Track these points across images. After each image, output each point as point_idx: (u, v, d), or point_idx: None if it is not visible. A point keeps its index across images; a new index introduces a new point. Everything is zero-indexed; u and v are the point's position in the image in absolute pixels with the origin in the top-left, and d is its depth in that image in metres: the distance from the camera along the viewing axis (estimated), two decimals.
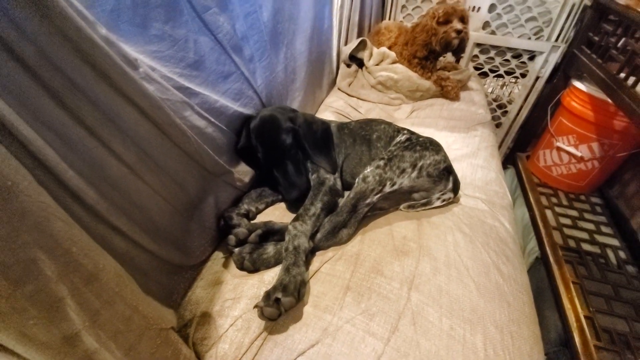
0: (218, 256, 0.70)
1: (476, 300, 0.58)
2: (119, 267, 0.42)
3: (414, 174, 0.75)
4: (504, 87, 1.76)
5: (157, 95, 0.48)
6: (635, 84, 0.99)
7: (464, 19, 1.17)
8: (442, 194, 0.80)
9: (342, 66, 1.37)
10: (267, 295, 0.53)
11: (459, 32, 1.16)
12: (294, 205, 0.81)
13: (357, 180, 0.74)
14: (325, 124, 0.89)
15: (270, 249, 0.65)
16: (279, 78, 0.96)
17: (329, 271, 0.63)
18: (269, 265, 0.64)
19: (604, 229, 1.39)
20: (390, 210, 0.81)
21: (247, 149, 0.79)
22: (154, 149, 0.51)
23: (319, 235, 0.67)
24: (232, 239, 0.66)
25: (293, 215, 0.79)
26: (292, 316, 0.56)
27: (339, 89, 1.35)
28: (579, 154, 1.41)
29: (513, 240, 0.75)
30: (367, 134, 0.91)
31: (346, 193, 0.81)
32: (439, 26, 1.18)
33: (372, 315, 0.55)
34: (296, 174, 0.77)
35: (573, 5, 1.35)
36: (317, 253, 0.68)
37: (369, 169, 0.74)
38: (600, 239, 1.35)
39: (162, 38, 0.55)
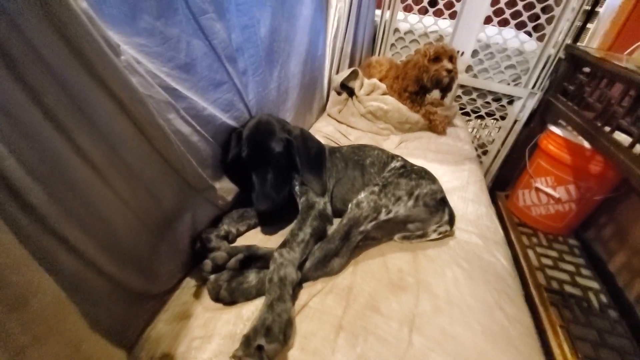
0: (189, 284, 0.60)
1: (483, 345, 0.51)
2: (61, 291, 0.32)
3: (410, 203, 0.71)
4: (484, 128, 1.84)
5: (140, 90, 0.42)
6: (612, 130, 1.04)
7: (452, 59, 1.22)
8: (439, 226, 0.76)
9: (333, 93, 1.37)
10: (247, 340, 0.44)
11: (449, 71, 1.20)
12: (267, 223, 0.75)
13: (350, 206, 0.69)
14: (321, 146, 0.85)
15: (251, 277, 0.57)
16: (271, 96, 0.92)
17: (318, 306, 0.55)
18: (249, 297, 0.55)
19: (583, 271, 1.40)
20: (383, 240, 0.75)
21: (235, 162, 0.72)
22: (128, 150, 0.43)
23: (307, 265, 0.60)
24: (208, 264, 0.57)
25: (277, 240, 0.72)
26: None
27: (328, 115, 1.34)
28: (556, 195, 1.45)
29: (511, 277, 0.71)
30: (360, 158, 0.87)
31: (336, 220, 0.76)
32: (430, 64, 1.22)
33: None
34: (274, 186, 0.71)
35: (549, 57, 1.45)
36: (305, 284, 0.60)
37: (362, 195, 0.69)
38: (581, 281, 1.35)
39: (151, 33, 0.50)
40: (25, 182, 0.30)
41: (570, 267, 1.41)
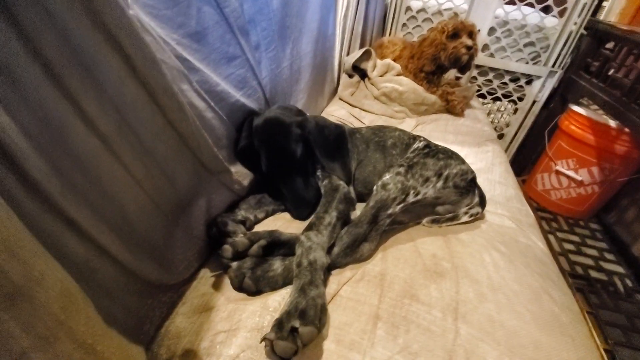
0: (206, 274, 0.56)
1: (536, 334, 0.46)
2: (71, 281, 0.27)
3: (440, 184, 0.66)
4: (501, 111, 1.77)
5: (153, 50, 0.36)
6: None
7: (472, 35, 1.15)
8: (470, 208, 0.71)
9: (344, 76, 1.31)
10: (279, 323, 0.39)
11: (469, 48, 1.13)
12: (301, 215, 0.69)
13: (375, 188, 0.64)
14: (340, 128, 0.79)
15: (277, 264, 0.52)
16: (284, 74, 0.87)
17: (350, 295, 0.50)
18: (275, 286, 0.51)
19: (607, 255, 1.35)
20: (409, 224, 0.70)
21: (247, 150, 0.67)
22: (141, 121, 0.38)
23: (336, 250, 0.55)
24: (228, 249, 0.52)
25: (300, 226, 0.67)
26: (309, 355, 0.42)
27: (340, 98, 1.28)
28: (579, 177, 1.39)
29: (551, 261, 0.66)
30: (380, 140, 0.82)
31: (359, 206, 0.71)
32: (447, 41, 1.15)
33: (414, 355, 0.42)
34: (306, 189, 0.67)
35: (570, 33, 1.38)
36: (332, 272, 0.55)
37: (388, 176, 0.64)
38: (606, 265, 1.30)
39: None
40: (26, 152, 0.25)
41: (594, 252, 1.36)
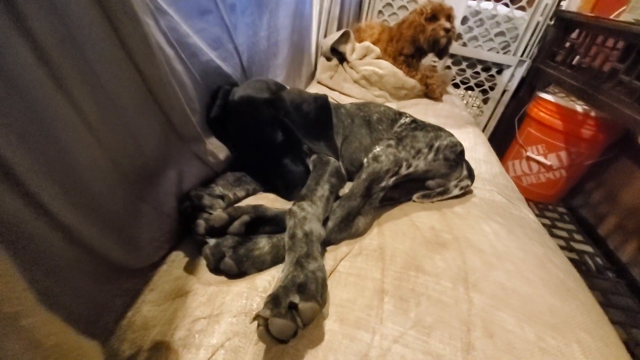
0: (178, 257, 0.47)
1: (550, 299, 0.43)
2: (6, 259, 0.19)
3: (430, 156, 0.62)
4: (472, 101, 1.81)
5: None
6: (614, 86, 1.01)
7: (450, 18, 1.15)
8: (460, 181, 0.68)
9: (322, 59, 1.25)
10: (275, 299, 0.32)
11: (447, 30, 1.13)
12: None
13: (366, 160, 0.59)
14: (320, 99, 0.70)
15: (263, 242, 0.45)
16: (262, 45, 0.79)
17: (350, 270, 0.44)
18: (262, 267, 0.43)
19: (576, 236, 1.41)
20: (400, 201, 0.66)
21: (219, 123, 0.59)
22: (102, 61, 0.30)
23: (330, 225, 0.49)
24: (201, 224, 0.44)
25: (287, 205, 0.60)
26: (309, 338, 0.35)
27: (318, 82, 1.23)
28: (548, 162, 1.45)
29: (545, 232, 0.65)
30: (366, 115, 0.77)
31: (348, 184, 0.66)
32: (426, 23, 1.14)
33: (429, 329, 0.37)
34: (295, 171, 0.61)
35: (537, 24, 1.43)
36: (327, 249, 0.49)
37: (378, 148, 0.60)
38: (577, 245, 1.35)
39: None
40: None
41: (564, 234, 1.41)
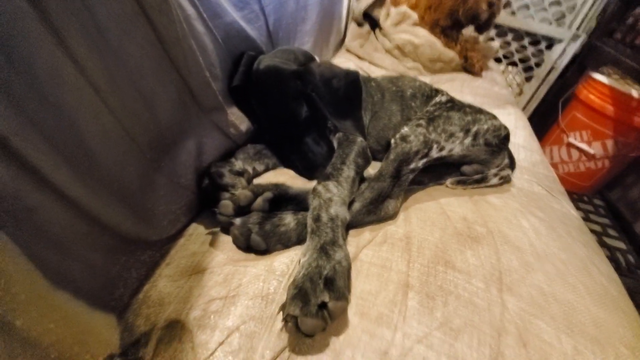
0: (197, 231, 0.46)
1: (593, 309, 0.39)
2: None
3: (468, 140, 0.57)
4: (511, 76, 1.65)
5: None
6: None
7: None
8: (500, 170, 0.62)
9: (353, 25, 1.16)
10: (303, 295, 0.31)
11: (491, 4, 1.00)
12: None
13: (393, 140, 0.54)
14: (351, 75, 0.64)
15: (288, 218, 0.42)
16: (290, 7, 0.73)
17: (372, 260, 0.42)
18: (287, 243, 0.42)
19: (610, 231, 1.32)
20: (429, 185, 0.61)
21: (242, 92, 0.55)
22: (110, 14, 0.26)
23: (357, 206, 0.46)
24: (228, 205, 0.42)
25: (307, 183, 0.57)
26: (328, 330, 0.33)
27: (347, 50, 1.14)
28: (591, 151, 1.33)
29: (588, 231, 0.59)
30: (398, 89, 0.71)
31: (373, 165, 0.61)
32: None
33: (456, 331, 0.34)
34: (317, 147, 0.57)
35: None
36: (350, 232, 0.46)
37: (406, 128, 0.55)
38: (609, 241, 1.27)
39: None
40: None
41: (597, 227, 1.33)
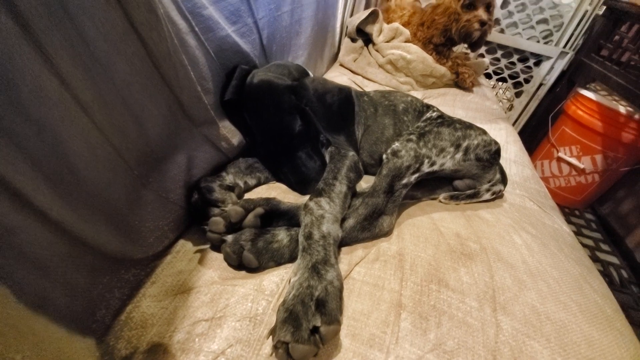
0: (184, 247, 0.45)
1: (587, 328, 0.39)
2: None
3: (459, 156, 0.57)
4: (502, 92, 1.69)
5: None
6: None
7: (489, 8, 1.05)
8: (492, 185, 0.62)
9: (346, 40, 1.18)
10: (295, 319, 0.30)
11: (482, 23, 1.03)
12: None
13: (385, 156, 0.55)
14: (344, 91, 0.65)
15: (281, 235, 0.42)
16: (284, 21, 0.74)
17: (364, 278, 0.41)
18: (280, 261, 0.41)
19: (602, 246, 1.33)
20: (422, 199, 0.61)
21: (235, 106, 0.55)
22: (95, 23, 0.26)
23: (351, 222, 0.45)
24: (219, 222, 0.41)
25: (299, 197, 0.56)
26: (318, 354, 0.32)
27: (341, 64, 1.16)
28: (581, 165, 1.35)
29: (581, 247, 0.59)
30: (391, 103, 0.71)
31: (365, 178, 0.61)
32: (463, 11, 1.04)
33: (450, 354, 0.33)
34: (310, 161, 0.57)
35: (585, 12, 1.30)
36: (342, 249, 0.45)
37: (397, 143, 0.55)
38: (602, 256, 1.28)
39: None
40: None
41: (590, 242, 1.34)
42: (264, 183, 0.60)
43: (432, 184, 0.62)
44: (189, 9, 0.41)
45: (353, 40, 1.18)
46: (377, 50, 1.15)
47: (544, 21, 1.37)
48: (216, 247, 0.43)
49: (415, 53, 1.10)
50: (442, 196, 0.61)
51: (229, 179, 0.53)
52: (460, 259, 0.45)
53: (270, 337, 0.30)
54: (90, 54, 0.26)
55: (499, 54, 1.49)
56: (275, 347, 0.29)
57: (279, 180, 0.60)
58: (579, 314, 0.40)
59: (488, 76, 1.57)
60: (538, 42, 1.41)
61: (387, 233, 0.48)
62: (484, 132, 0.63)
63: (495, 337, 0.35)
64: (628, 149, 1.25)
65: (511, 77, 1.54)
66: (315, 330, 0.30)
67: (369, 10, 1.13)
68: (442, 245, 0.48)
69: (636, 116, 1.18)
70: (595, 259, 1.25)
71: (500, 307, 0.39)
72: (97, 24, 0.26)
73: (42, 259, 0.26)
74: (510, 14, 1.39)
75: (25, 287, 0.24)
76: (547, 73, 1.44)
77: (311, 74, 0.70)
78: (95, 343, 0.32)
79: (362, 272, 0.42)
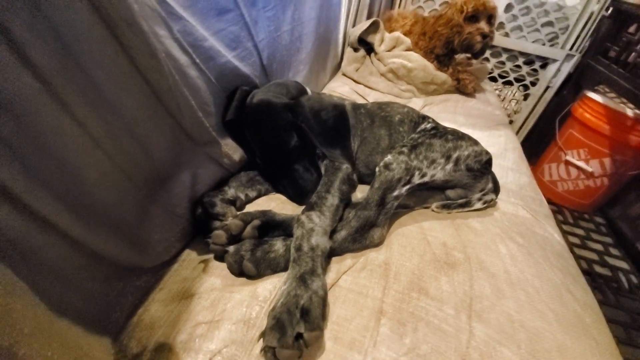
0: (189, 256, 0.49)
1: (560, 336, 0.41)
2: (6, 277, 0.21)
3: (449, 167, 0.59)
4: (511, 97, 1.68)
5: None
6: None
7: (491, 19, 1.06)
8: (484, 194, 0.64)
9: (349, 50, 1.21)
10: (280, 326, 0.34)
11: (484, 36, 1.04)
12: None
13: (377, 169, 0.58)
14: (339, 107, 0.69)
15: (278, 245, 0.46)
16: (284, 40, 0.78)
17: (351, 286, 0.44)
18: (276, 269, 0.45)
19: (612, 250, 1.31)
20: (415, 209, 0.64)
21: (236, 125, 0.59)
22: (104, 71, 0.30)
23: (343, 234, 0.49)
24: (221, 235, 0.46)
25: (296, 208, 0.60)
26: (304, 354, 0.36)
27: (343, 74, 1.19)
28: (589, 169, 1.33)
29: (569, 255, 0.61)
30: (387, 115, 0.74)
31: (360, 188, 0.65)
32: (465, 23, 1.06)
33: (422, 357, 0.36)
34: (307, 173, 0.61)
35: (591, 14, 1.28)
36: (333, 258, 0.49)
37: (389, 156, 0.58)
38: (611, 261, 1.26)
39: None
40: None
41: (599, 246, 1.32)
42: (264, 195, 0.64)
43: (425, 193, 0.65)
44: (190, 42, 0.45)
45: (355, 50, 1.21)
46: (378, 60, 1.18)
47: (549, 24, 1.36)
48: (219, 257, 0.47)
49: (415, 61, 1.13)
50: (434, 205, 0.64)
51: (230, 192, 0.57)
52: (443, 268, 0.48)
53: (261, 339, 0.34)
54: (101, 96, 0.31)
55: (504, 57, 1.49)
56: (264, 351, 0.34)
57: (278, 192, 0.65)
58: (555, 322, 0.43)
59: (493, 79, 1.57)
60: (544, 44, 1.40)
61: (377, 244, 0.51)
62: (476, 143, 0.65)
63: (467, 343, 0.38)
64: (636, 152, 1.23)
65: (517, 80, 1.54)
66: (299, 336, 0.33)
67: (371, 21, 1.16)
68: (427, 255, 0.51)
69: None
70: (604, 264, 1.24)
71: (476, 315, 0.41)
72: (106, 70, 0.31)
73: (63, 271, 0.31)
74: (515, 17, 1.39)
75: (51, 296, 0.29)
76: (554, 76, 1.43)
77: (309, 91, 0.74)
78: (110, 342, 0.37)
79: (349, 280, 0.45)
